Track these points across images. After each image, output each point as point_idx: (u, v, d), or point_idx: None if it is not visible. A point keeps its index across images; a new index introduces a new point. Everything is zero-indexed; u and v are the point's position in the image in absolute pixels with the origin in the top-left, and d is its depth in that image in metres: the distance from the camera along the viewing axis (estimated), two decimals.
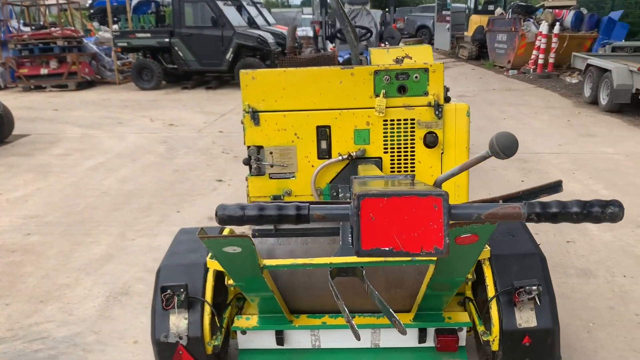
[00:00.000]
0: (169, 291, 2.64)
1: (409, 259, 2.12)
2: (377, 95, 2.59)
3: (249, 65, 14.31)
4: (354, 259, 2.20)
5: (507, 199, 1.13)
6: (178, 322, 2.65)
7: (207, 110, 11.45)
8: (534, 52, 16.08)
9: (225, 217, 0.95)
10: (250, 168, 2.71)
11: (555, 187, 1.09)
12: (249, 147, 2.66)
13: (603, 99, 10.58)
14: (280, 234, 2.74)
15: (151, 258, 4.60)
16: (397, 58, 2.91)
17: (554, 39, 15.45)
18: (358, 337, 2.16)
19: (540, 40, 15.63)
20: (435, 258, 2.07)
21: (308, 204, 0.94)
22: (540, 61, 15.82)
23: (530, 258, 2.70)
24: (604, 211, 1.04)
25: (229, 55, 14.24)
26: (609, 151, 7.69)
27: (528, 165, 7.01)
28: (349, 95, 2.60)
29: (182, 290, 2.65)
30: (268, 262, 2.14)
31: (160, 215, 5.59)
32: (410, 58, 2.96)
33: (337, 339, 2.90)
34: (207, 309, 2.70)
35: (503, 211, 1.04)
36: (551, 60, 15.85)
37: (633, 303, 3.75)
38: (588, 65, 11.35)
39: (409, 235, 0.86)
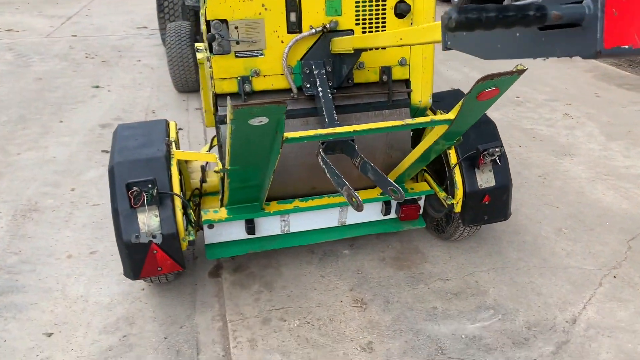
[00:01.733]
0: (135, 188, 2.39)
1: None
2: None
3: None
4: (365, 126, 2.16)
5: None
6: (149, 220, 2.43)
7: (49, 14, 10.02)
8: None
9: (463, 19, 0.85)
10: (211, 47, 2.44)
11: None
12: (210, 21, 2.38)
13: None
14: None
15: (50, 171, 4.09)
16: None
17: None
18: (361, 207, 2.18)
19: None
20: (453, 117, 2.11)
21: (546, 4, 0.87)
22: None
23: (486, 125, 2.88)
24: None
25: None
26: None
27: None
28: None
29: (149, 185, 2.41)
30: (290, 134, 2.00)
31: (41, 126, 4.92)
32: None
33: (305, 222, 2.89)
34: (178, 203, 2.50)
35: None
36: None
37: (534, 167, 4.23)
38: None
39: None
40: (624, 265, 3.08)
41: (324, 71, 2.51)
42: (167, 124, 2.86)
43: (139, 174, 2.47)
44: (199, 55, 3.48)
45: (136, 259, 2.46)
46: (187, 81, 5.62)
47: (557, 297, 2.82)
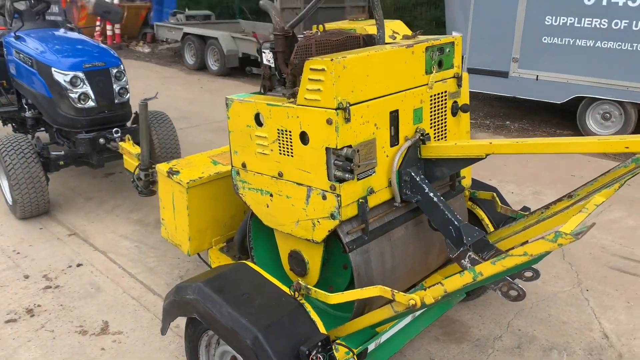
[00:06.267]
0: (312, 353, 2.06)
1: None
2: (428, 72, 2.56)
3: None
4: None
5: None
6: None
7: None
8: (98, 23, 15.57)
9: None
10: (330, 174, 2.25)
11: None
12: (340, 149, 2.20)
13: (213, 65, 11.51)
14: (372, 237, 2.44)
15: None
16: (392, 34, 2.80)
17: None
18: (524, 295, 2.35)
19: None
20: None
21: None
22: (108, 32, 15.53)
23: None
24: None
25: None
26: None
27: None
28: (409, 74, 2.48)
29: (320, 344, 2.11)
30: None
31: None
32: (398, 33, 2.88)
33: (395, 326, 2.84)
34: (341, 350, 2.23)
35: None
36: (117, 32, 15.79)
37: None
38: (185, 34, 11.99)
39: None
40: None
41: (423, 176, 2.56)
42: (247, 264, 2.48)
43: (292, 335, 2.13)
44: (179, 178, 3.08)
45: None
46: (39, 204, 4.60)
47: (577, 320, 3.40)
